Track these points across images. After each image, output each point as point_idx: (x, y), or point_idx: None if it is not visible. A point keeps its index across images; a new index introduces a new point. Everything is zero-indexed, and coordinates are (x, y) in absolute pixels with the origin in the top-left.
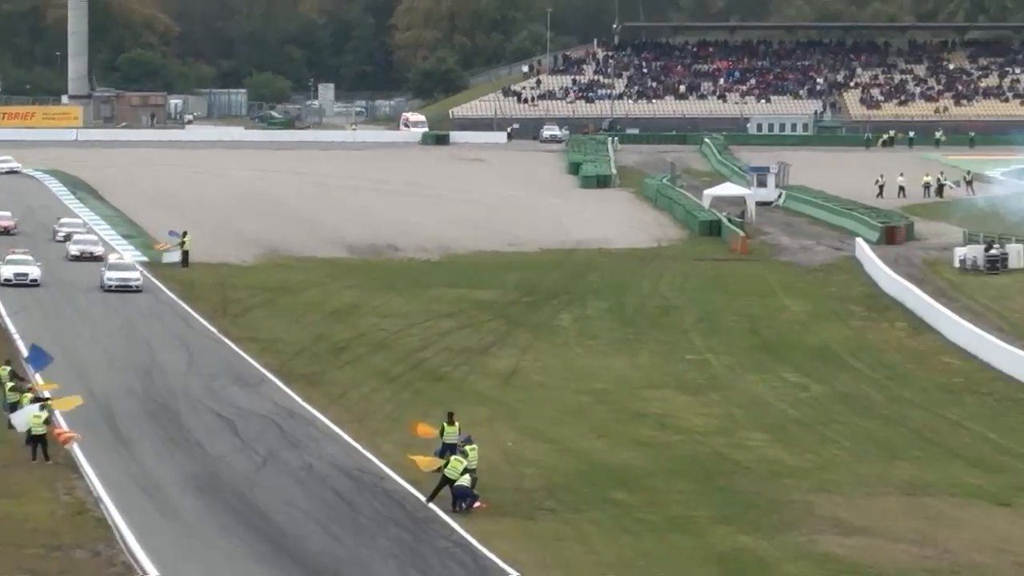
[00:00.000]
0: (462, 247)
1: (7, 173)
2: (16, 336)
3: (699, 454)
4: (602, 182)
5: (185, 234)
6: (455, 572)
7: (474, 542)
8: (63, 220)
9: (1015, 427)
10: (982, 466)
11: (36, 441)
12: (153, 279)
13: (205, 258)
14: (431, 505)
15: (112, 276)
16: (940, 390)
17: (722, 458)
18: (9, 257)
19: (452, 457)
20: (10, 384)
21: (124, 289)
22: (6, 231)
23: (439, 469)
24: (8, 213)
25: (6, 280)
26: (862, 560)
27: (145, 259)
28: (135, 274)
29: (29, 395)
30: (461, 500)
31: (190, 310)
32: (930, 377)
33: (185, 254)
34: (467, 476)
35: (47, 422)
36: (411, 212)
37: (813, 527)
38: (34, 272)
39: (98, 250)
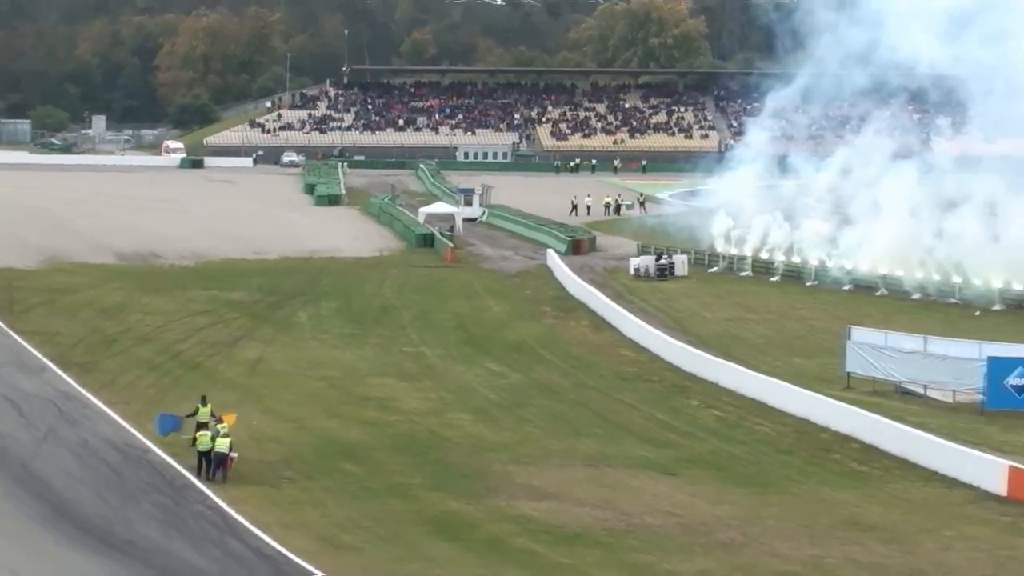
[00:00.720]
0: (214, 255)
1: None
2: None
3: (415, 431)
4: (333, 201)
5: None
6: (208, 531)
7: (224, 506)
8: None
9: (679, 409)
10: (652, 442)
11: None
12: None
13: None
14: (197, 481)
15: None
16: (617, 378)
17: (434, 435)
18: None
19: (198, 433)
20: None
21: None
22: None
23: (192, 445)
24: None
25: None
26: (552, 521)
27: None
28: None
29: None
30: (215, 467)
31: None
32: (609, 367)
33: None
34: (222, 441)
35: None
36: (171, 225)
37: (511, 493)
38: None
39: None
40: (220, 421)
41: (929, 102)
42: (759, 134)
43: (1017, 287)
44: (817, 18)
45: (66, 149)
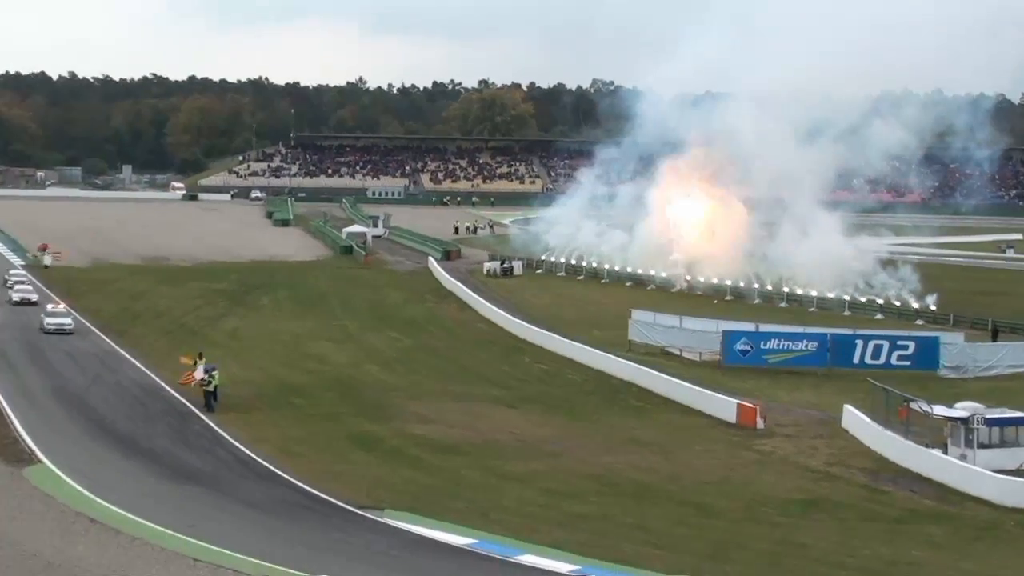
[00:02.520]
0: (204, 258)
1: None
2: None
3: (341, 377)
4: (285, 223)
5: (46, 248)
6: (203, 442)
7: (214, 426)
8: (11, 271)
9: (516, 363)
10: (499, 385)
11: None
12: (29, 275)
13: (56, 263)
14: (203, 414)
15: (51, 321)
16: (475, 342)
17: (354, 379)
18: None
19: (203, 377)
20: None
21: (60, 332)
22: None
23: (200, 385)
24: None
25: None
26: (434, 437)
27: (23, 263)
28: (68, 320)
29: None
30: (212, 401)
31: (50, 292)
32: (470, 335)
33: (51, 259)
34: (214, 387)
35: None
36: (175, 238)
37: (406, 419)
38: None
39: (33, 297)
40: (215, 368)
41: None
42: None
43: (739, 283)
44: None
45: (105, 187)
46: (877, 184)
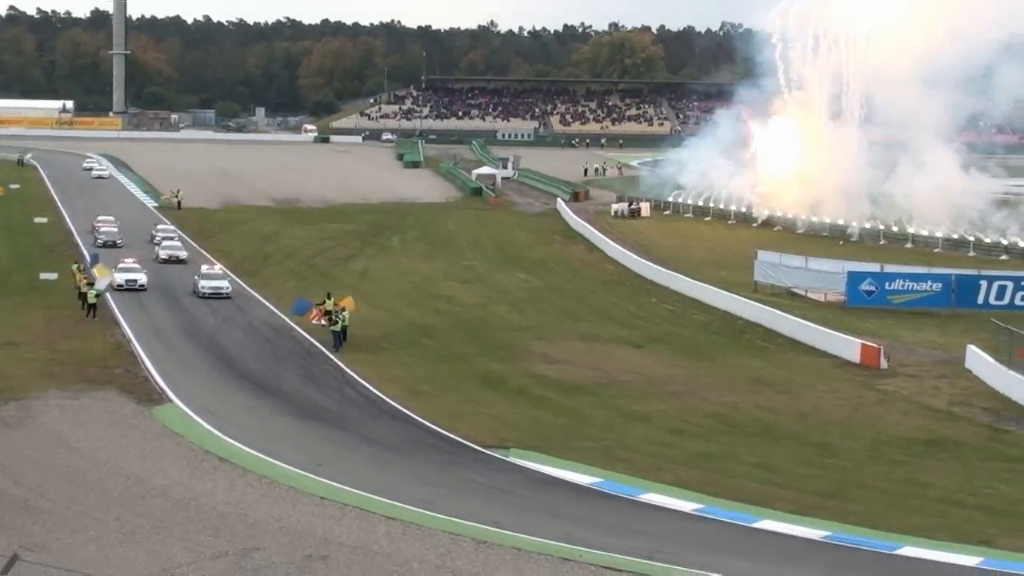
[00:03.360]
0: (337, 200)
1: (97, 178)
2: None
3: (469, 318)
4: (415, 165)
5: (179, 191)
6: (331, 381)
7: (343, 365)
8: (159, 226)
9: (643, 304)
10: (625, 325)
11: (90, 307)
12: (161, 216)
13: (189, 204)
14: (331, 354)
15: (206, 285)
16: (602, 283)
17: (482, 320)
18: (121, 265)
19: (332, 318)
20: (81, 275)
21: (216, 296)
22: (114, 243)
23: (329, 323)
24: (112, 218)
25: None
26: (559, 377)
27: (156, 204)
28: (225, 283)
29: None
30: (339, 342)
31: (182, 233)
32: (598, 276)
33: (179, 202)
34: (342, 328)
35: (97, 295)
36: (307, 180)
37: (533, 359)
38: (142, 279)
39: (183, 254)
40: (343, 309)
41: None
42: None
43: (867, 225)
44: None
45: (238, 130)
46: (1003, 127)
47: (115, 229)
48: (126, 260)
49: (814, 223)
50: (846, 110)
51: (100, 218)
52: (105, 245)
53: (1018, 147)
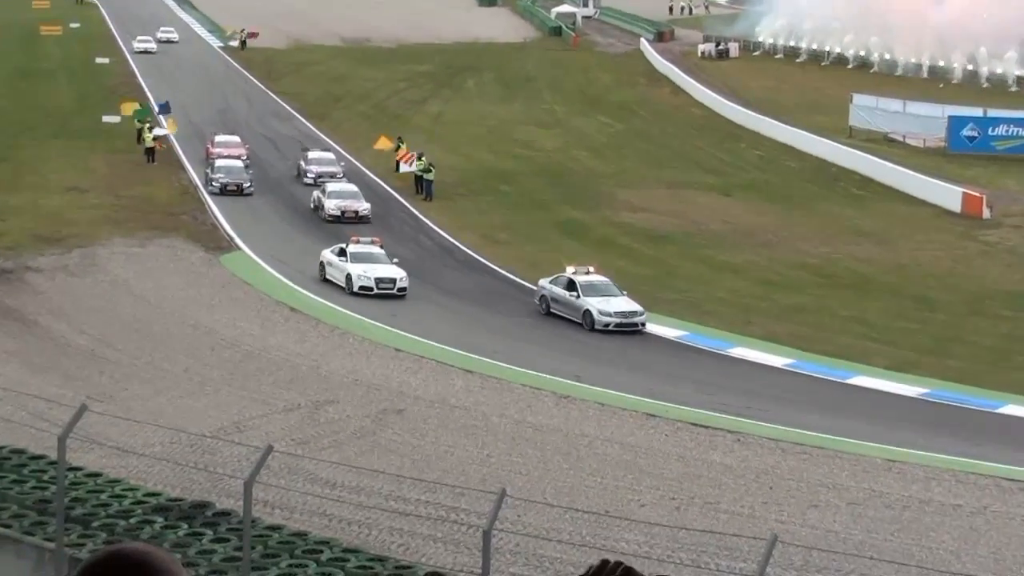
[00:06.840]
0: (409, 40)
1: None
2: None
3: (549, 163)
4: (491, 3)
5: (243, 30)
6: (406, 228)
7: (417, 213)
8: (311, 154)
9: (732, 150)
10: (713, 172)
11: (150, 151)
12: (226, 56)
13: (255, 44)
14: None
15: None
16: (690, 128)
17: (562, 166)
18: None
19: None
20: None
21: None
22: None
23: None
24: (238, 140)
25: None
26: (644, 226)
27: (221, 44)
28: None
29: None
30: (424, 188)
31: (249, 75)
32: (684, 120)
33: (243, 42)
34: (429, 172)
35: (155, 139)
36: (378, 18)
37: (615, 207)
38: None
39: (362, 207)
40: (420, 157)
41: None
42: None
43: (969, 66)
44: None
45: None
46: None
47: (240, 164)
48: (360, 239)
49: (912, 64)
50: None
51: (219, 138)
52: (224, 190)
53: None
